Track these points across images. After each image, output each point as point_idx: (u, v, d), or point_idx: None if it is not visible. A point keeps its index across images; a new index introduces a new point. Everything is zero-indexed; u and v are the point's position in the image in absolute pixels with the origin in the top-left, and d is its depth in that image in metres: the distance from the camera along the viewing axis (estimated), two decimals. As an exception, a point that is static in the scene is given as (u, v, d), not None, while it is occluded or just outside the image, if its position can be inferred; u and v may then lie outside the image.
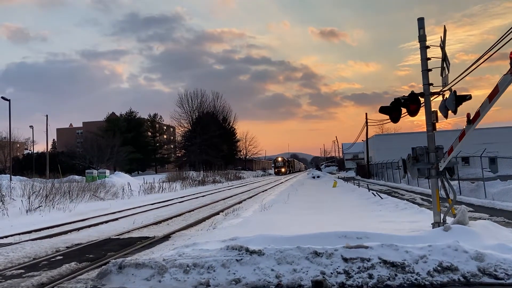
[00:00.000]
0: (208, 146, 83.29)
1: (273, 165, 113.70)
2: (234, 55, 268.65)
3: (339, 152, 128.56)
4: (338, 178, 53.68)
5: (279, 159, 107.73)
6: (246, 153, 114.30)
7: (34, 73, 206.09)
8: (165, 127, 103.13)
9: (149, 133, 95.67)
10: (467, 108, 9.29)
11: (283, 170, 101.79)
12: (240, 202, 22.73)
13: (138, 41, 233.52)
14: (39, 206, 19.47)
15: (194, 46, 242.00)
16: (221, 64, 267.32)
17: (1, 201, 19.31)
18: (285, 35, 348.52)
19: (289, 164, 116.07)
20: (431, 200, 10.27)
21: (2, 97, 42.31)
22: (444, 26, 9.47)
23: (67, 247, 10.71)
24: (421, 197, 22.10)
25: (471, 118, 8.59)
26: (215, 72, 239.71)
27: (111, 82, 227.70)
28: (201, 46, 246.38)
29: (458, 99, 9.17)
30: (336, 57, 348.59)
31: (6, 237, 12.77)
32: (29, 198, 19.58)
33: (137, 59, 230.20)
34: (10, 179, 32.86)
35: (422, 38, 9.72)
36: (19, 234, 13.19)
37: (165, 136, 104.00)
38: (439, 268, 6.48)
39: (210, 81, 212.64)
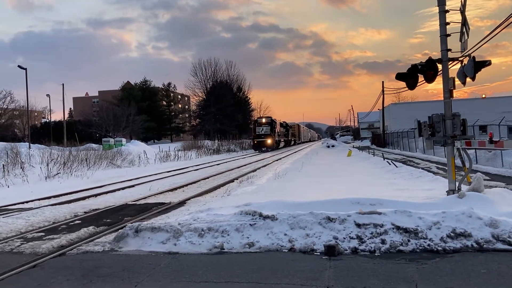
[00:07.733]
0: (223, 115, 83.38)
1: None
2: (241, 22, 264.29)
3: (354, 122, 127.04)
4: (353, 147, 53.45)
5: (263, 120, 57.60)
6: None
7: (42, 42, 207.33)
8: (179, 96, 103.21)
9: (164, 102, 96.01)
10: (485, 74, 9.12)
11: (269, 141, 54.15)
12: (254, 171, 22.86)
13: (143, 8, 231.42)
14: (57, 173, 19.90)
15: (200, 13, 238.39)
16: (228, 32, 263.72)
17: (21, 168, 19.78)
18: (292, 1, 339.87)
19: (288, 132, 72.47)
20: (446, 168, 10.19)
21: (19, 66, 42.58)
22: (465, -12, 9.18)
23: (85, 212, 10.97)
24: (437, 165, 21.94)
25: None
26: (222, 40, 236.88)
27: (119, 51, 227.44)
28: (206, 14, 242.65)
29: (477, 65, 8.98)
30: (346, 24, 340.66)
31: (26, 202, 13.14)
32: (47, 165, 20.00)
33: (143, 27, 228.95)
34: (29, 147, 33.47)
35: (441, 2, 9.43)
36: (39, 199, 13.54)
37: (179, 105, 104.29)
38: (452, 234, 6.47)
39: (218, 49, 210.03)
